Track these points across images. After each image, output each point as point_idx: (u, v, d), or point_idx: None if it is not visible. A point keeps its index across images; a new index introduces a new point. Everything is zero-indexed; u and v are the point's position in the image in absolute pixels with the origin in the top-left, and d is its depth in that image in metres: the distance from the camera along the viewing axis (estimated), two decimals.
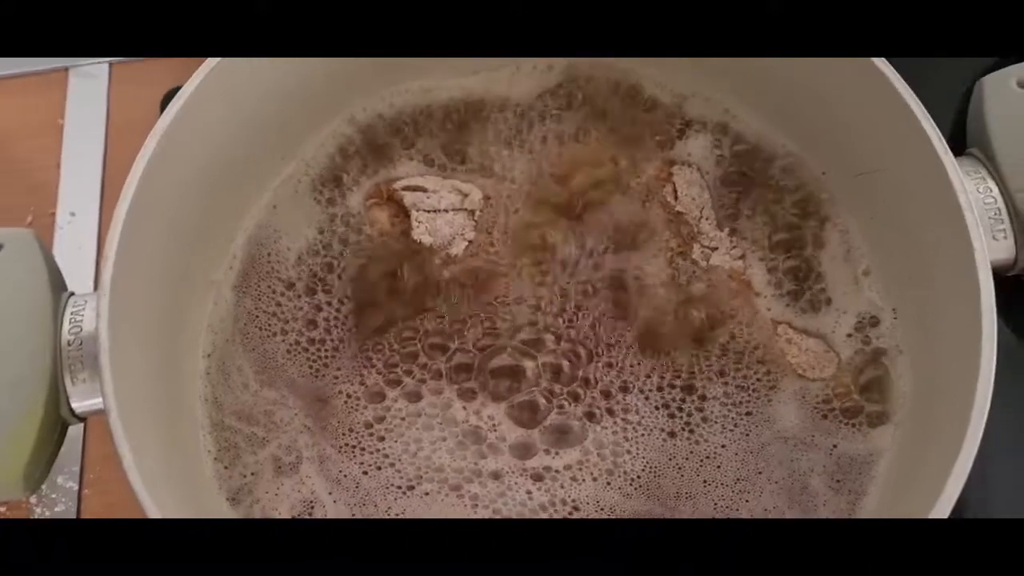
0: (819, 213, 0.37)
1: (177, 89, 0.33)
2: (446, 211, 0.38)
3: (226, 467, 0.34)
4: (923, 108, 0.32)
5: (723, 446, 0.34)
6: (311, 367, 0.36)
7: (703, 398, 0.35)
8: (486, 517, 0.34)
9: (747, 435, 0.34)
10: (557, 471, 0.34)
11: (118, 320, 0.30)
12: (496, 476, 0.34)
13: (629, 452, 0.34)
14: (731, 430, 0.34)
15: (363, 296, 0.37)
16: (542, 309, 0.37)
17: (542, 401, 0.35)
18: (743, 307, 0.36)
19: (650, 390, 0.35)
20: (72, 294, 0.33)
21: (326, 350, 0.36)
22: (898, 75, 0.32)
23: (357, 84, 0.39)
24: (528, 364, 0.36)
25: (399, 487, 0.34)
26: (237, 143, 0.36)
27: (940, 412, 0.32)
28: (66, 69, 0.50)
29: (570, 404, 0.35)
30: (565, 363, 0.36)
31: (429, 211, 0.38)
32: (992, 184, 0.33)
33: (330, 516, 0.34)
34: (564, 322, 0.36)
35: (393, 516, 0.34)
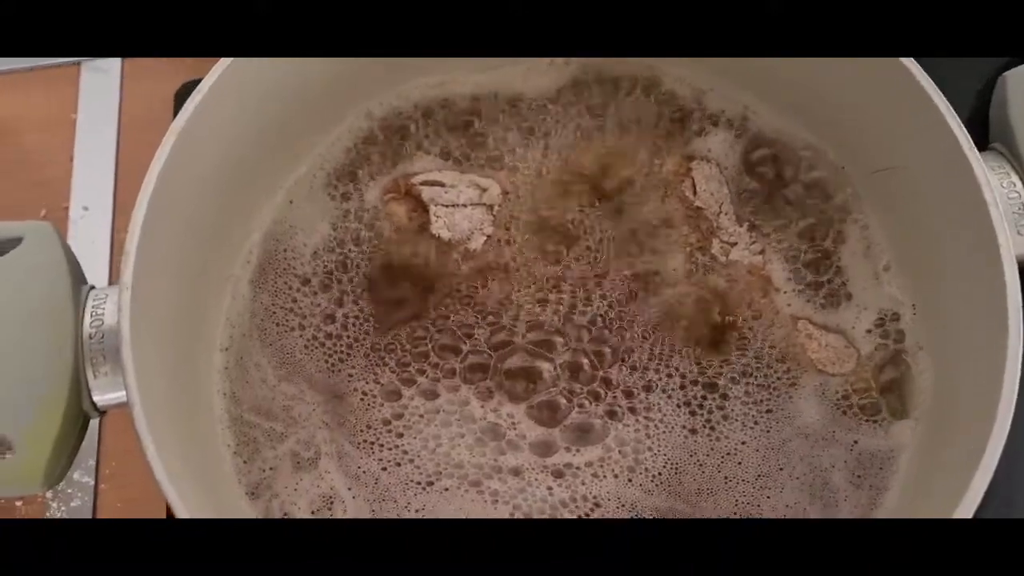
0: (839, 208, 0.37)
1: (191, 83, 0.33)
2: (464, 206, 0.38)
3: (245, 462, 0.34)
4: (948, 104, 0.31)
5: (744, 443, 0.34)
6: (328, 363, 0.36)
7: (724, 396, 0.35)
8: (507, 512, 0.33)
9: (768, 432, 0.34)
10: (578, 468, 0.34)
11: (138, 315, 0.30)
12: (516, 472, 0.34)
13: (651, 449, 0.34)
14: (752, 427, 0.34)
15: (380, 292, 0.37)
16: (560, 305, 0.36)
17: (562, 401, 0.35)
18: (763, 302, 0.36)
19: (673, 388, 0.35)
20: (92, 287, 0.32)
21: (342, 346, 0.36)
22: (923, 71, 0.32)
23: (373, 79, 0.39)
24: (545, 365, 0.36)
25: (418, 483, 0.34)
26: (252, 139, 0.36)
27: (963, 408, 0.32)
28: (78, 64, 0.50)
29: (591, 403, 0.35)
30: (585, 361, 0.36)
31: (447, 206, 0.38)
32: (1016, 179, 0.33)
33: (349, 511, 0.34)
34: (584, 319, 0.36)
35: (413, 511, 0.34)
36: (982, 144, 0.34)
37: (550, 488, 0.34)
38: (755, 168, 0.38)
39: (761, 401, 0.35)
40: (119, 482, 0.40)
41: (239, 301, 0.37)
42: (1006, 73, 0.34)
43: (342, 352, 0.36)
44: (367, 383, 0.35)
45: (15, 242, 0.32)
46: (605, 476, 0.34)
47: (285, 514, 0.34)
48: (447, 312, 0.36)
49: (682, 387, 0.35)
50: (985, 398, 0.29)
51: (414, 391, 0.35)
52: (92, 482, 0.40)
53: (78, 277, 0.32)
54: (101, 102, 0.50)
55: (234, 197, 0.36)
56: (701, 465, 0.34)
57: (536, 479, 0.34)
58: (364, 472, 0.34)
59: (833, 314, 0.36)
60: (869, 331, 0.36)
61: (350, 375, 0.36)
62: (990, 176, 0.31)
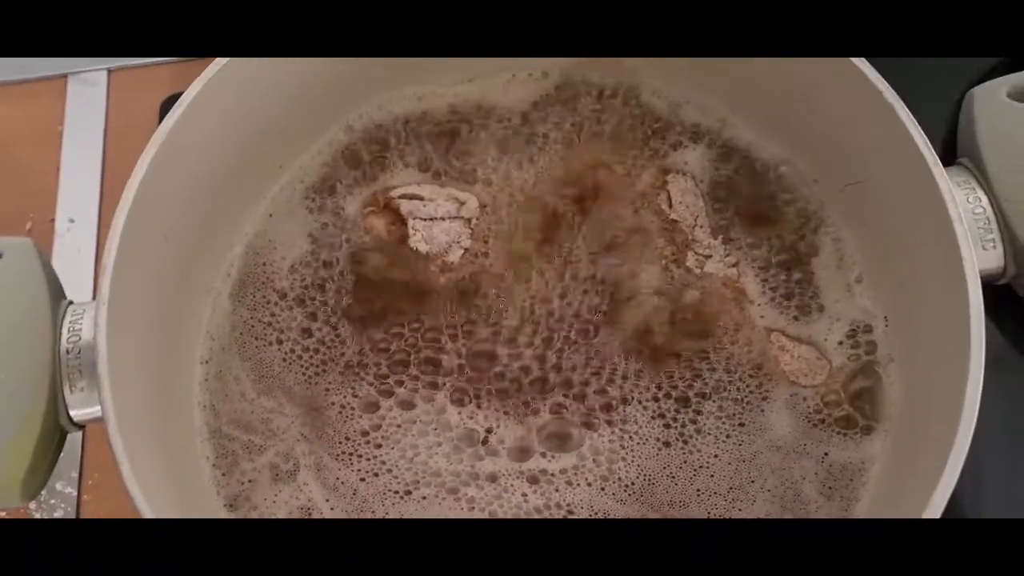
0: (812, 221, 0.38)
1: (176, 96, 0.34)
2: (443, 219, 0.38)
3: (224, 474, 0.35)
4: (913, 119, 0.32)
5: (716, 456, 0.35)
6: (306, 376, 0.36)
7: (698, 411, 0.35)
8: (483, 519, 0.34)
9: (740, 445, 0.35)
10: (553, 475, 0.34)
11: (116, 329, 0.30)
12: (493, 479, 0.35)
13: (624, 459, 0.35)
14: (724, 440, 0.35)
15: (357, 305, 0.37)
16: (536, 316, 0.37)
17: (540, 407, 0.35)
18: (737, 314, 0.37)
19: (647, 400, 0.35)
20: (71, 303, 0.33)
21: (320, 360, 0.36)
22: (889, 86, 0.32)
23: (354, 91, 0.39)
24: (521, 375, 0.36)
25: (396, 492, 0.34)
26: (235, 151, 0.36)
27: (931, 419, 0.32)
28: (65, 76, 0.51)
29: (568, 411, 0.35)
30: (562, 371, 0.36)
31: (426, 219, 0.38)
32: (982, 194, 0.33)
33: None
34: (561, 330, 0.37)
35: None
36: (950, 159, 0.35)
37: (525, 495, 0.34)
38: (730, 181, 0.39)
39: (734, 415, 0.35)
40: (102, 493, 0.41)
41: (219, 314, 0.37)
42: (973, 89, 0.35)
43: (319, 365, 0.36)
44: (345, 396, 0.36)
45: None
46: (579, 484, 0.34)
47: None
48: (425, 324, 0.37)
49: (656, 399, 0.35)
50: (950, 407, 0.29)
51: (392, 402, 0.36)
52: (75, 493, 0.41)
53: (57, 292, 0.33)
54: (88, 115, 0.50)
55: (216, 209, 0.37)
56: (673, 478, 0.34)
57: (512, 485, 0.34)
58: (342, 483, 0.35)
59: (806, 326, 0.37)
60: (841, 343, 0.36)
61: (327, 388, 0.36)
62: (956, 192, 0.32)
